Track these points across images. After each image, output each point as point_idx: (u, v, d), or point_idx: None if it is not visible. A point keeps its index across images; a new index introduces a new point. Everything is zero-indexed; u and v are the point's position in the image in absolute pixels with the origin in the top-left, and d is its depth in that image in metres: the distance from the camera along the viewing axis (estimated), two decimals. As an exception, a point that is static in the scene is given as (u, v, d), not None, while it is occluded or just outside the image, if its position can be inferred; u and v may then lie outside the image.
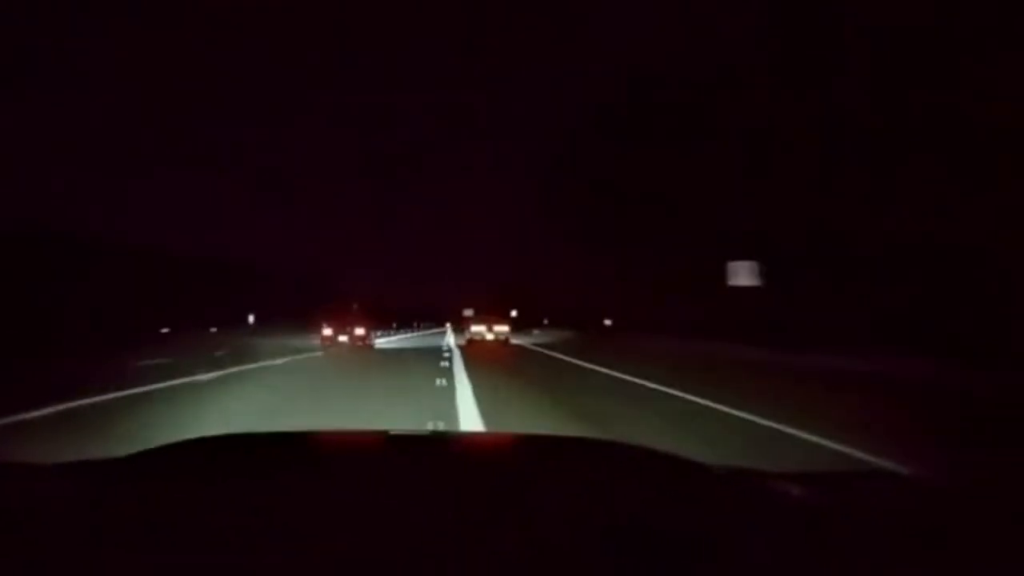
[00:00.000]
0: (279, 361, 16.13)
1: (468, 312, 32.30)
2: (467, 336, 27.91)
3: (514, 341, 27.97)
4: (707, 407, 7.53)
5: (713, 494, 1.15)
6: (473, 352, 20.70)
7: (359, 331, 26.54)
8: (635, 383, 10.41)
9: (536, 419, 6.80)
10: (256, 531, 0.87)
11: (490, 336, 26.60)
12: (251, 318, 35.14)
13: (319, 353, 20.68)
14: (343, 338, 25.84)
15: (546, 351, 21.76)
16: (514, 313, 29.01)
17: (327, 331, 26.17)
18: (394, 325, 73.86)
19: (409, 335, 47.55)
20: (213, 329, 35.03)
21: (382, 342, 31.69)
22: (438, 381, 10.46)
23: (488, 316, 28.19)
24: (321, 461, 1.34)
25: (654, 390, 9.45)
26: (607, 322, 37.13)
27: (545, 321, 51.30)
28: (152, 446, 1.35)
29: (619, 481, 1.21)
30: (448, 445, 1.65)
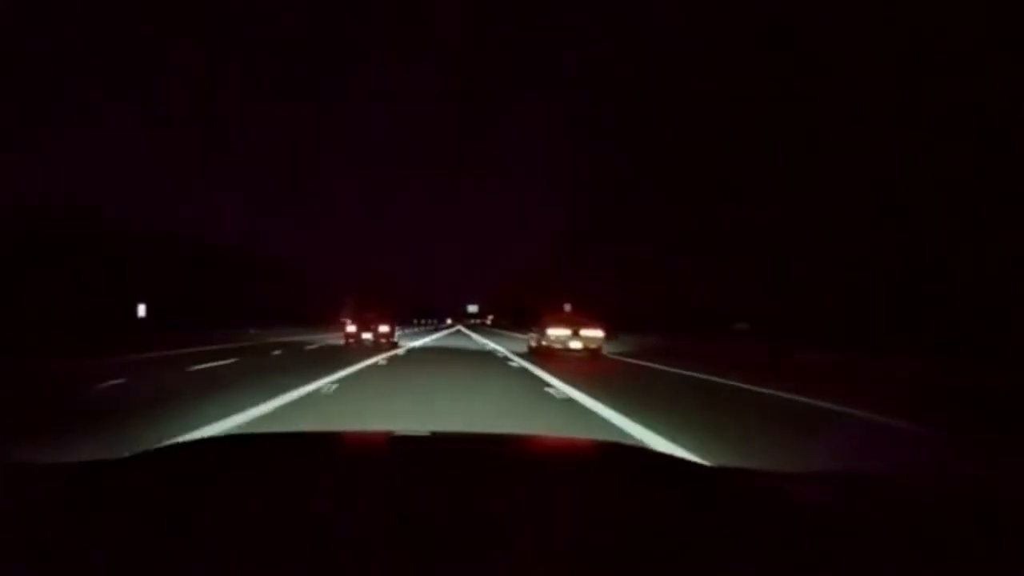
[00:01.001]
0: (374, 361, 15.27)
1: (473, 308, 30.44)
2: (538, 341, 19.79)
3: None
4: None
5: (713, 494, 1.14)
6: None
7: (383, 328, 26.03)
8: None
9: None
10: (255, 531, 0.88)
11: (576, 344, 18.32)
12: (141, 309, 30.53)
13: (401, 352, 19.56)
14: (367, 335, 25.48)
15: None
16: (568, 307, 23.30)
17: (351, 328, 25.93)
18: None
19: (428, 338, 39.54)
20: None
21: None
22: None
23: (573, 316, 20.10)
24: (321, 461, 1.34)
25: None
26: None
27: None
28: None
29: (619, 481, 1.21)
30: (448, 445, 1.64)
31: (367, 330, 25.72)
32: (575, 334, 18.36)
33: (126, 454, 1.32)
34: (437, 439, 1.70)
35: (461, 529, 0.89)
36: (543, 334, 18.98)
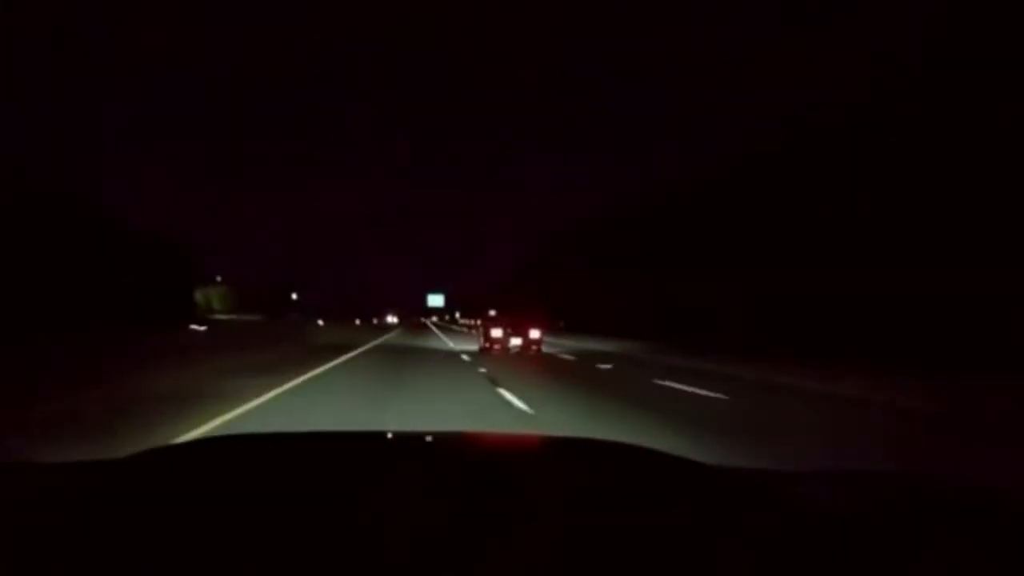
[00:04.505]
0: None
1: (436, 300, 23.05)
2: None
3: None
4: None
5: (713, 494, 1.14)
6: None
7: (534, 334, 22.29)
8: None
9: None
10: (255, 531, 0.87)
11: None
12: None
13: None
14: (516, 341, 21.97)
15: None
16: None
17: (496, 332, 22.41)
18: (320, 322, 51.33)
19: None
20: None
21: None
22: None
23: None
24: (320, 462, 1.34)
25: None
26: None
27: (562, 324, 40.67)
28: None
29: (619, 481, 1.20)
30: (447, 445, 1.65)
31: (514, 336, 22.10)
32: None
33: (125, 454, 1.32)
34: (437, 439, 1.70)
35: (461, 530, 0.89)
36: None
